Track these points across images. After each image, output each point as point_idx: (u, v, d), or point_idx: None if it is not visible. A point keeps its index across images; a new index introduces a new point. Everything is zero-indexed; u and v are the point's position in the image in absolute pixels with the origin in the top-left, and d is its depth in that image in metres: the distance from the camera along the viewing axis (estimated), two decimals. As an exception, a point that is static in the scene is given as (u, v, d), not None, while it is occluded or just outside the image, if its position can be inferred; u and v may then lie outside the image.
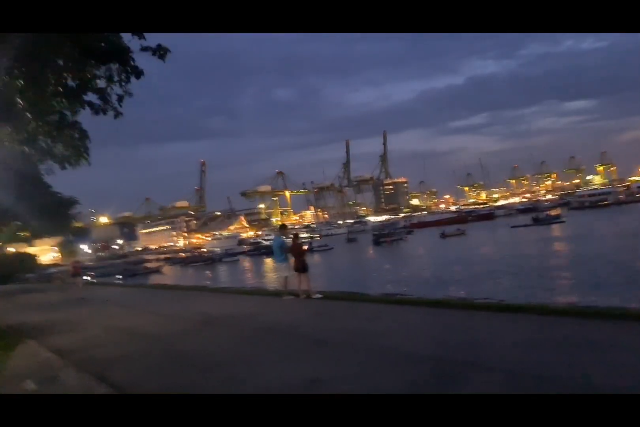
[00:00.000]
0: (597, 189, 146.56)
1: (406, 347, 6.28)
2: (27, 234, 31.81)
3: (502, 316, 7.59)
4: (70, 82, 10.42)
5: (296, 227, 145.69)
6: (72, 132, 12.00)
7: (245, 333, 8.44)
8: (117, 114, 10.38)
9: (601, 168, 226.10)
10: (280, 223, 14.38)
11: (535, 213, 78.88)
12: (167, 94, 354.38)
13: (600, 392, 3.90)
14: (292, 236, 12.91)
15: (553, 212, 76.65)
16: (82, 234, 38.46)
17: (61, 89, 8.95)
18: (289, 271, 12.30)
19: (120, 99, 10.15)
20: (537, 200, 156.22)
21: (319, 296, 11.83)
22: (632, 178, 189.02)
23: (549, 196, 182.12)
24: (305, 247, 12.49)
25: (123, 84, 8.72)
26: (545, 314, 7.24)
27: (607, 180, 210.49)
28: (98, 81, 9.23)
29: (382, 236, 71.58)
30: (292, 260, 12.29)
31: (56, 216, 19.56)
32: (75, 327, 11.32)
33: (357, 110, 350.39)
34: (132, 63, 8.24)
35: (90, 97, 10.08)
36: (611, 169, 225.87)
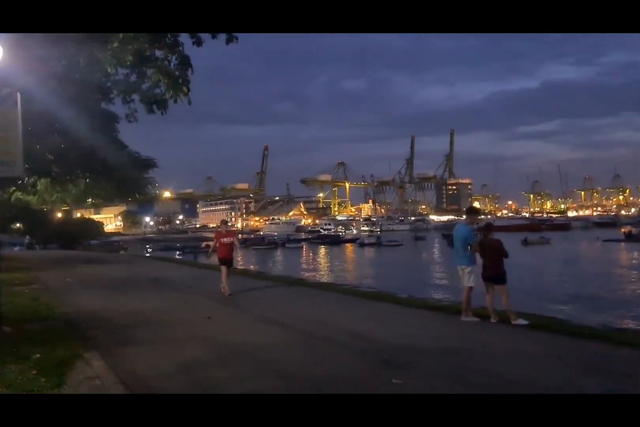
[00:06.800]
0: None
1: None
2: (95, 201, 29.36)
3: None
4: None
5: (355, 219, 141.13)
6: (169, 55, 8.51)
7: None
8: (230, 38, 7.75)
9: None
10: (472, 206, 10.21)
11: (623, 228, 72.37)
12: (236, 76, 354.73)
13: None
14: (482, 228, 8.62)
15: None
16: (149, 204, 35.79)
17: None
18: (473, 278, 8.12)
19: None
20: (616, 214, 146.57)
21: (524, 322, 7.66)
22: None
23: (622, 212, 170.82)
24: (503, 245, 8.14)
25: None
26: None
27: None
28: None
29: (454, 236, 66.29)
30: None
31: (131, 178, 16.23)
32: (162, 331, 7.60)
33: (424, 108, 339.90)
34: None
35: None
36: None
